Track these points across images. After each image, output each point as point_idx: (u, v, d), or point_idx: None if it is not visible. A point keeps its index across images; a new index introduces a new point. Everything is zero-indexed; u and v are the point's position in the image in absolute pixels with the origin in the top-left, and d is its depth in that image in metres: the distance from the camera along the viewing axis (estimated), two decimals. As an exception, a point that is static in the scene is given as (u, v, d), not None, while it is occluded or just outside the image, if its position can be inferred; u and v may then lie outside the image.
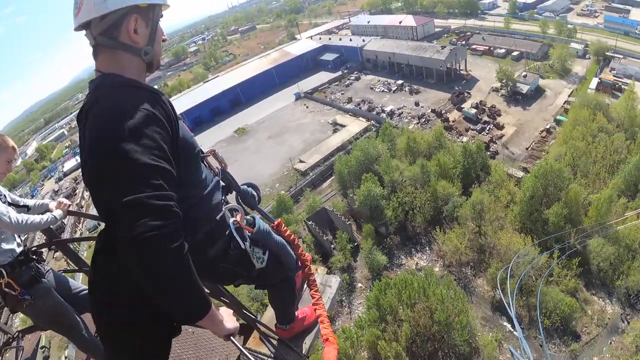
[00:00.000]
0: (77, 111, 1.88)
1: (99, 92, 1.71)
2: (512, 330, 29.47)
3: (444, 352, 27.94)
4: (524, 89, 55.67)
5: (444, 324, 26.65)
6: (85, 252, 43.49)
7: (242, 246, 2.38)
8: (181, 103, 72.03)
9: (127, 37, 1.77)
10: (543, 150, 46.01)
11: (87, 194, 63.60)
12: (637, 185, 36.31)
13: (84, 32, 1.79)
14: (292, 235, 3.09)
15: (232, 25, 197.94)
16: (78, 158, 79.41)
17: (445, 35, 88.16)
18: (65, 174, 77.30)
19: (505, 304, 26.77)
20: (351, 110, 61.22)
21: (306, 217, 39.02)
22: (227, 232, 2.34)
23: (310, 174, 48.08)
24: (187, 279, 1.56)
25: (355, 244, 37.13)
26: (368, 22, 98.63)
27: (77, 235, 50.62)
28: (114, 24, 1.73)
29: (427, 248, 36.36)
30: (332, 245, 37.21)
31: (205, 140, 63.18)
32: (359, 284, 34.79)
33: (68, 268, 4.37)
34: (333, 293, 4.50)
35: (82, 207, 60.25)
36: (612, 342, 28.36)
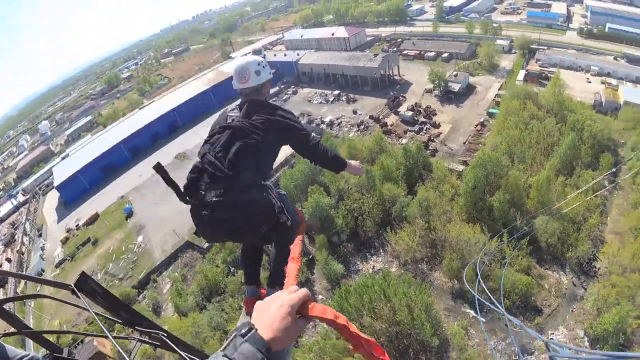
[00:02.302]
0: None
1: (262, 104, 3.67)
2: (476, 316, 30.02)
3: (415, 348, 27.91)
4: (456, 87, 58.38)
5: (408, 322, 26.51)
6: (32, 313, 39.35)
7: (273, 200, 3.31)
8: (118, 132, 68.16)
9: (265, 92, 3.98)
10: (480, 143, 48.04)
11: (26, 238, 57.82)
12: (572, 163, 38.88)
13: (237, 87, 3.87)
14: (298, 211, 4.05)
15: (165, 48, 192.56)
16: (14, 200, 72.33)
17: (377, 43, 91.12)
18: (2, 220, 69.87)
19: (482, 295, 27.05)
20: (290, 124, 60.69)
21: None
22: (269, 189, 3.39)
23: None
24: (335, 154, 4.02)
25: (310, 256, 36.41)
26: (301, 36, 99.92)
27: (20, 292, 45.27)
28: (260, 86, 3.85)
29: (381, 250, 36.37)
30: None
31: (144, 169, 60.36)
32: (320, 296, 34.03)
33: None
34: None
35: (22, 253, 54.48)
36: (574, 310, 29.92)
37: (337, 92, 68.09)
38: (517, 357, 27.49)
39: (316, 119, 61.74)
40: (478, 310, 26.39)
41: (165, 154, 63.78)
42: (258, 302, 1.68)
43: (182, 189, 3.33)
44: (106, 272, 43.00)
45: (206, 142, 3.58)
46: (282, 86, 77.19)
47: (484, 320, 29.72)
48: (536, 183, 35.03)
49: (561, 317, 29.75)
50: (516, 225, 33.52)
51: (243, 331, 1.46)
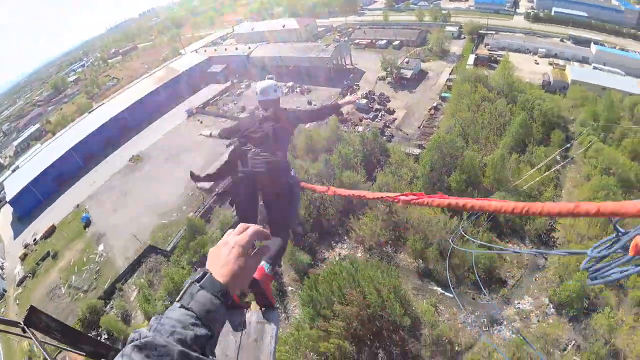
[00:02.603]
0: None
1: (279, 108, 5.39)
2: (444, 292, 31.57)
3: (388, 329, 28.63)
4: (408, 74, 59.78)
5: (378, 304, 27.39)
6: None
7: (290, 171, 4.85)
8: (68, 139, 64.70)
9: (277, 103, 5.54)
10: (434, 126, 49.49)
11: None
12: (525, 141, 41.12)
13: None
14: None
15: (112, 48, 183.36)
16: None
17: (329, 33, 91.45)
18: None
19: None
20: (246, 119, 60.14)
21: (221, 235, 37.18)
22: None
23: (216, 189, 46.15)
24: (328, 106, 6.36)
25: (276, 249, 36.40)
26: (252, 29, 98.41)
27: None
28: (277, 99, 5.57)
29: (345, 237, 36.95)
30: (253, 256, 36.04)
31: (99, 175, 57.91)
32: (289, 288, 34.27)
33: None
34: (275, 329, 3.83)
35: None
36: (537, 279, 31.87)
37: (290, 83, 67.84)
38: (486, 328, 29.11)
39: (271, 111, 61.25)
40: (479, 295, 27.51)
41: (118, 158, 61.19)
42: (210, 249, 1.71)
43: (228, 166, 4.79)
44: (70, 285, 41.12)
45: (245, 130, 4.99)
46: (234, 81, 75.91)
47: (452, 295, 31.37)
48: (491, 162, 36.85)
49: (525, 287, 31.50)
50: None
51: (197, 276, 1.45)
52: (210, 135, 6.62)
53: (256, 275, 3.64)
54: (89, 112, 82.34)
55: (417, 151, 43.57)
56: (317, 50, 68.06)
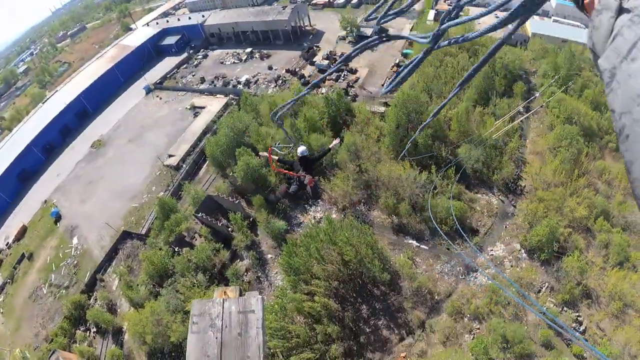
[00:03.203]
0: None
1: (307, 157, 14.35)
2: (419, 245, 32.70)
3: (369, 286, 29.90)
4: (368, 32, 58.57)
5: (357, 262, 28.13)
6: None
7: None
8: (25, 133, 61.15)
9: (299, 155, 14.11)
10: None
11: None
12: (488, 93, 41.72)
13: None
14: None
15: (60, 31, 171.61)
16: None
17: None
18: None
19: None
20: (207, 90, 58.72)
21: (194, 211, 37.01)
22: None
23: (184, 165, 45.38)
24: (324, 149, 17.99)
25: (251, 219, 36.55)
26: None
27: None
28: (307, 154, 14.37)
29: (318, 200, 37.24)
30: (229, 228, 36.12)
31: (62, 166, 55.48)
32: (269, 255, 34.56)
33: None
34: (260, 318, 3.47)
35: None
36: (507, 226, 33.41)
37: (249, 49, 65.99)
38: (462, 276, 30.49)
39: (232, 80, 59.75)
40: (462, 245, 28.34)
41: (80, 145, 58.55)
42: None
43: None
44: (50, 284, 40.10)
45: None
46: (190, 51, 72.85)
47: (427, 246, 32.47)
48: (456, 115, 37.43)
49: (497, 234, 33.04)
50: (442, 156, 36.01)
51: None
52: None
53: (308, 183, 12.75)
54: (43, 102, 77.87)
55: (382, 109, 43.71)
56: (273, 13, 65.92)
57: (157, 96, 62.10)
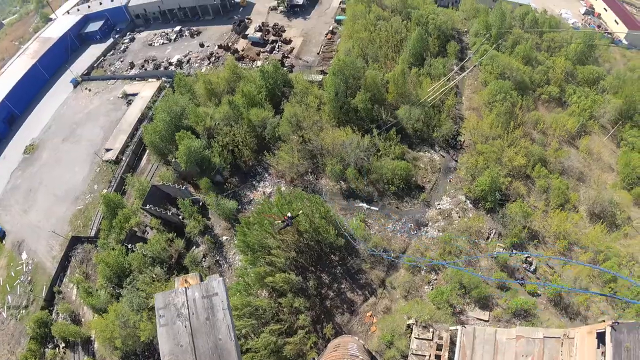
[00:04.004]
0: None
1: None
2: (369, 207, 33.32)
3: (326, 252, 30.55)
4: (300, 0, 57.53)
5: (311, 232, 28.39)
6: None
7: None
8: None
9: None
10: (333, 51, 49.08)
11: None
12: (422, 55, 42.17)
13: None
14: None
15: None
16: None
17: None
18: None
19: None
20: (138, 75, 55.90)
21: (141, 204, 35.75)
22: None
23: (123, 158, 43.46)
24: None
25: (200, 203, 35.91)
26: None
27: None
28: None
29: (265, 175, 37.05)
30: (180, 216, 35.37)
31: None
32: (224, 237, 34.29)
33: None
34: (225, 300, 3.28)
35: None
36: (451, 180, 34.90)
37: (178, 28, 62.96)
38: (414, 232, 31.61)
39: (162, 62, 57.10)
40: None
41: (12, 152, 54.02)
42: None
43: None
44: (8, 307, 38.00)
45: None
46: (116, 36, 68.41)
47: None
48: (392, 78, 37.81)
49: (442, 189, 34.44)
50: (383, 119, 36.48)
51: None
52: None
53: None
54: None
55: (319, 77, 43.50)
56: (201, -13, 62.56)
57: (86, 88, 58.33)
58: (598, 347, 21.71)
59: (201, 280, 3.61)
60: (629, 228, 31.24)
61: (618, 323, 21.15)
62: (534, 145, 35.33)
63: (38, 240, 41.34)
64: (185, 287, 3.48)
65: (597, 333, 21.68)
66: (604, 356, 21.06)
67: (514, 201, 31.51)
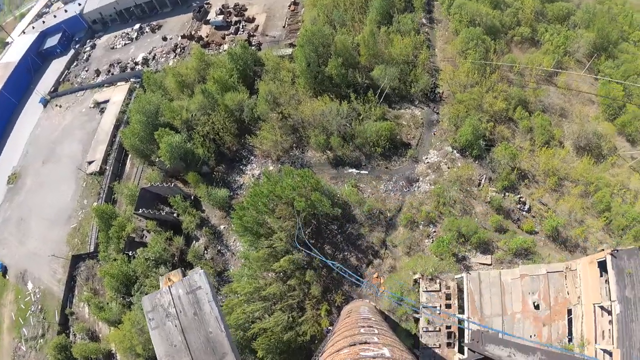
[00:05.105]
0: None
1: None
2: (359, 172, 33.28)
3: (325, 223, 30.77)
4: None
5: (307, 206, 28.18)
6: None
7: None
8: None
9: None
10: (298, 22, 47.82)
11: None
12: (389, 12, 40.96)
13: None
14: None
15: None
16: None
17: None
18: None
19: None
20: (105, 82, 54.54)
21: (134, 209, 35.37)
22: None
23: (107, 167, 42.76)
24: None
25: (192, 197, 35.59)
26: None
27: None
28: None
29: (251, 157, 36.70)
30: (174, 214, 35.08)
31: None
32: (221, 226, 34.25)
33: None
34: (209, 292, 3.12)
35: None
36: (435, 133, 34.74)
37: (137, 26, 61.23)
38: (406, 189, 31.69)
39: (128, 63, 55.68)
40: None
41: None
42: None
43: None
44: (26, 339, 38.10)
45: None
46: (76, 46, 66.36)
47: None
48: (362, 40, 36.91)
49: (428, 143, 34.32)
50: (359, 82, 35.85)
51: None
52: None
53: None
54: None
55: (289, 51, 42.45)
56: (154, -21, 60.51)
57: (57, 105, 56.88)
58: (601, 276, 22.11)
59: (184, 275, 3.42)
60: (615, 157, 31.30)
61: (617, 250, 21.61)
62: (512, 87, 35.06)
63: (40, 267, 41.00)
64: (169, 286, 3.27)
65: (598, 262, 22.21)
66: (608, 283, 21.55)
67: (499, 145, 31.48)
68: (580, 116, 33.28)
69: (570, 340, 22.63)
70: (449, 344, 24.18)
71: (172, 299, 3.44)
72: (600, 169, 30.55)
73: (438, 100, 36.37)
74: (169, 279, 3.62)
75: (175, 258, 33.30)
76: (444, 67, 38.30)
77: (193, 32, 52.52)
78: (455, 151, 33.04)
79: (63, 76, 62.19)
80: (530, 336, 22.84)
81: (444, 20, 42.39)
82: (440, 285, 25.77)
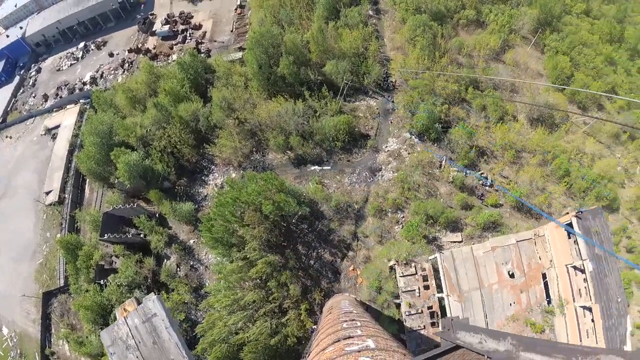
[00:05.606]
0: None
1: None
2: (322, 168, 33.27)
3: (294, 224, 30.51)
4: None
5: (274, 209, 27.79)
6: None
7: None
8: None
9: None
10: (246, 25, 47.26)
11: None
12: (336, 7, 40.75)
13: None
14: None
15: None
16: None
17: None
18: None
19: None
20: (55, 106, 52.53)
21: (99, 236, 34.18)
22: None
23: (65, 195, 41.21)
24: None
25: (157, 215, 34.70)
26: (15, 5, 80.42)
27: None
28: None
29: (212, 167, 36.08)
30: (141, 235, 34.11)
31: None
32: (191, 241, 33.59)
33: None
34: (164, 318, 2.79)
35: None
36: (392, 121, 34.99)
37: (82, 44, 59.22)
38: (370, 179, 31.91)
39: (76, 84, 53.75)
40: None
41: None
42: None
43: None
44: None
45: None
46: (21, 72, 63.56)
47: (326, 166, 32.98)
48: (311, 37, 36.80)
49: (386, 131, 34.58)
50: (312, 79, 35.62)
51: None
52: None
53: None
54: None
55: (239, 54, 41.96)
56: (95, -4, 58.36)
57: (6, 136, 54.36)
58: (569, 237, 22.73)
59: (138, 303, 3.15)
60: (569, 124, 32.56)
61: (582, 212, 22.27)
62: (462, 69, 35.72)
63: (12, 310, 39.33)
64: (124, 317, 3.02)
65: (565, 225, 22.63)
66: (577, 244, 22.21)
67: (455, 126, 32.10)
68: (531, 89, 34.28)
69: (549, 302, 23.42)
70: (432, 324, 24.96)
71: (130, 330, 3.27)
72: (555, 137, 31.69)
73: (392, 89, 36.65)
74: (124, 309, 3.41)
75: (149, 280, 32.39)
76: (394, 56, 38.60)
77: (140, 45, 51.06)
78: (413, 137, 33.50)
79: (10, 105, 59.39)
80: (510, 304, 23.75)
81: (391, 10, 42.67)
82: (415, 269, 26.33)
